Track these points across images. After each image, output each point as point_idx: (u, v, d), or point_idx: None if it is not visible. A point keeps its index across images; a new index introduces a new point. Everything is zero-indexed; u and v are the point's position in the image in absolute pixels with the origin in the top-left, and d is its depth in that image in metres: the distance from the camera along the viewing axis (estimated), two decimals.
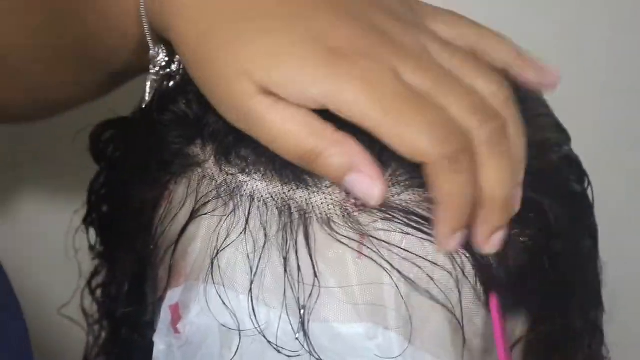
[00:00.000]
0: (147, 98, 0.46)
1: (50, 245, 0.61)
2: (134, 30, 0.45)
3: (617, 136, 0.76)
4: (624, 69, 0.74)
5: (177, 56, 0.46)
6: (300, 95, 0.39)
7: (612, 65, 0.74)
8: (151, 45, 0.45)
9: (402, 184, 0.41)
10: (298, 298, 0.40)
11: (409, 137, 0.38)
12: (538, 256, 0.43)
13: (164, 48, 0.46)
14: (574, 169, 0.48)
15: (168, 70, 0.46)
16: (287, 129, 0.39)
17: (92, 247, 0.54)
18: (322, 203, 0.41)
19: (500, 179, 0.40)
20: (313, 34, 0.39)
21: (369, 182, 0.39)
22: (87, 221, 0.53)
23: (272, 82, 0.39)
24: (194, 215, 0.43)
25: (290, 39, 0.39)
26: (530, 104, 0.45)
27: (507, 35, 0.45)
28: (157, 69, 0.46)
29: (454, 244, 0.40)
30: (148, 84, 0.46)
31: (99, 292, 0.54)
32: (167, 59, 0.46)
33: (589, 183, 0.48)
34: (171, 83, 0.46)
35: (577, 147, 0.49)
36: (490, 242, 0.40)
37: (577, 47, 0.72)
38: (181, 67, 0.46)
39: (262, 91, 0.39)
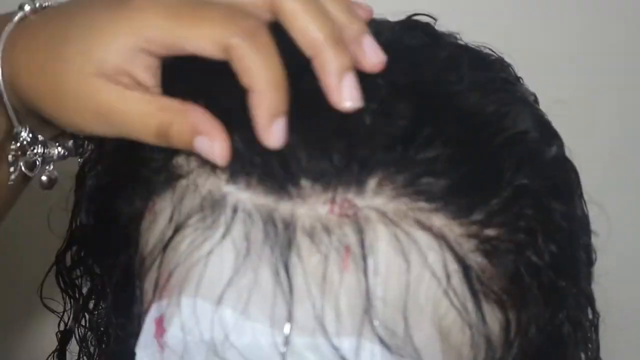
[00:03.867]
0: (12, 178, 0.48)
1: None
2: None
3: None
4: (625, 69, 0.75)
5: None
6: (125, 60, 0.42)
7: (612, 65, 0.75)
8: (15, 123, 0.47)
9: (386, 193, 0.41)
10: (282, 310, 0.40)
11: (203, 32, 0.41)
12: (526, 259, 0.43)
13: (27, 127, 0.48)
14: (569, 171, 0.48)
15: (33, 149, 0.48)
16: (139, 110, 0.42)
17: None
18: (306, 214, 0.41)
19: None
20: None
21: (210, 143, 0.41)
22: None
23: (106, 66, 0.42)
24: (177, 228, 0.43)
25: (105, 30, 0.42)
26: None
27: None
28: (17, 144, 0.48)
29: (277, 135, 0.40)
30: (10, 160, 0.48)
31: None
32: (31, 135, 0.48)
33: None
34: None
35: (577, 147, 0.49)
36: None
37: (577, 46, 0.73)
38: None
39: (109, 80, 0.42)
